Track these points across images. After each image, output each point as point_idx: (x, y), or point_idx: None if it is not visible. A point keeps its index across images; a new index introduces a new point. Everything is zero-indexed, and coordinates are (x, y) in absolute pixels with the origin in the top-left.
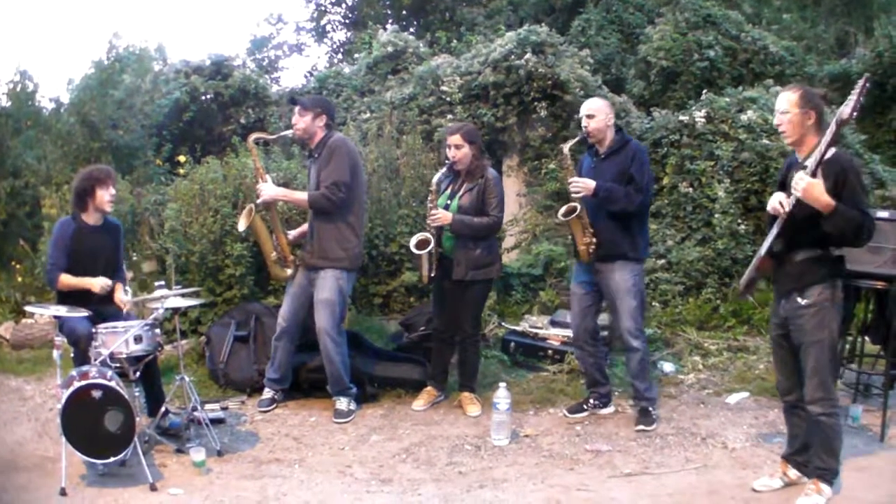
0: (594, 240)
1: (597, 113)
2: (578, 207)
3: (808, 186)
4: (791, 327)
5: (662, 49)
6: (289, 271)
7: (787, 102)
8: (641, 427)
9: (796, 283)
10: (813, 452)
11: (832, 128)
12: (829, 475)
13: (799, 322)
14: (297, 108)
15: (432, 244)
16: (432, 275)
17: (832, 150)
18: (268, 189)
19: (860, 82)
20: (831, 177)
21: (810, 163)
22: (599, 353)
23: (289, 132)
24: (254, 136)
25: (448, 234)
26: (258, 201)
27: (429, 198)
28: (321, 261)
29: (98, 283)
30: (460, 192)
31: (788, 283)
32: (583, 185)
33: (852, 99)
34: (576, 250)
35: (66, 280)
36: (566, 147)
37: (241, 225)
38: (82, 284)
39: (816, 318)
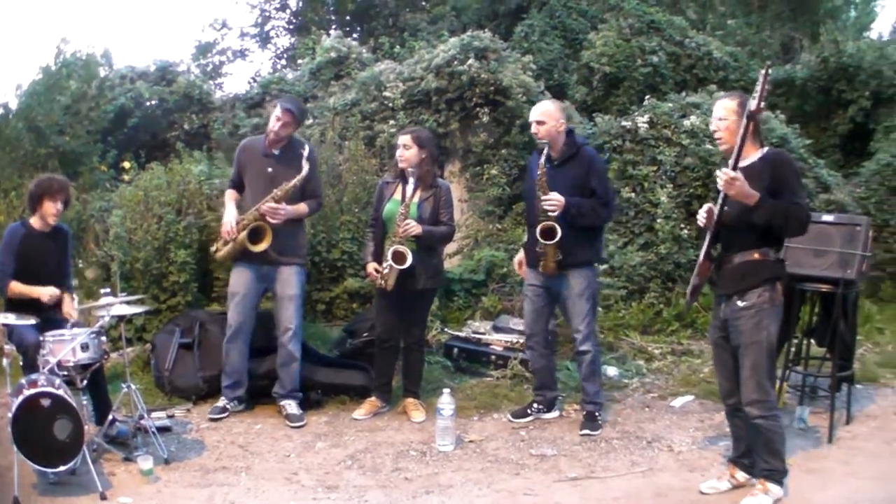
0: (559, 251)
1: (547, 119)
2: (559, 233)
3: (729, 179)
4: (730, 329)
5: (605, 55)
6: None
7: (724, 110)
8: (587, 432)
9: (735, 285)
10: (757, 454)
11: (743, 122)
12: (776, 475)
13: (737, 324)
14: (286, 114)
15: (410, 259)
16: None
17: (765, 149)
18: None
19: (762, 73)
20: (767, 173)
21: (732, 159)
22: (551, 355)
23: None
24: None
25: (411, 244)
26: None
27: (399, 212)
28: (283, 257)
29: (46, 293)
30: (418, 201)
31: (727, 285)
32: (557, 202)
33: (757, 91)
34: (539, 263)
35: (16, 287)
36: (541, 160)
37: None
38: (31, 293)
39: (754, 320)
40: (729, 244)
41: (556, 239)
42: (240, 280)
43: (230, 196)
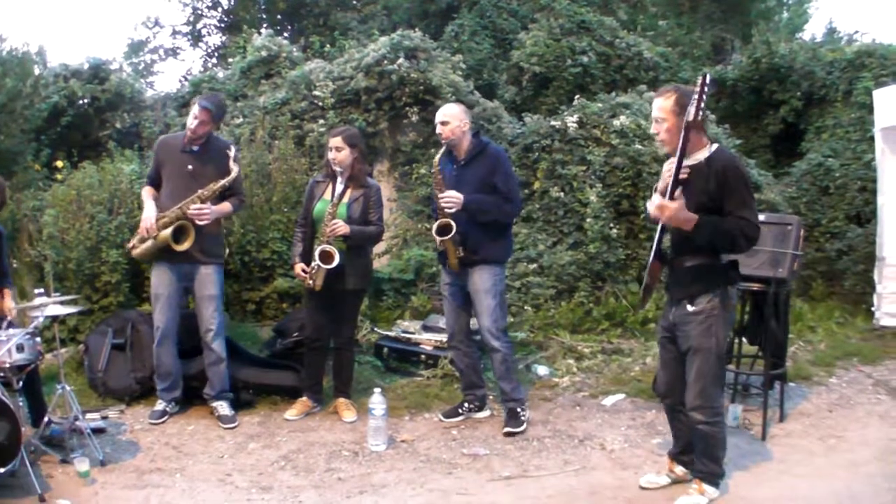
0: (463, 248)
1: (451, 119)
2: (454, 228)
3: (658, 207)
4: (678, 333)
5: (535, 55)
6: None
7: (661, 110)
8: (509, 429)
9: (686, 290)
10: (696, 456)
11: (682, 134)
12: (712, 478)
13: (686, 328)
14: (204, 113)
15: (337, 259)
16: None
17: (713, 147)
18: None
19: (699, 81)
20: (712, 178)
21: (664, 180)
22: (474, 353)
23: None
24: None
25: (340, 244)
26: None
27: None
28: (204, 256)
29: None
30: (347, 201)
31: (679, 289)
32: (455, 199)
33: (694, 100)
34: (447, 260)
35: None
36: (436, 160)
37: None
38: None
39: (703, 326)
40: (680, 247)
41: (451, 235)
42: (162, 281)
43: (148, 193)
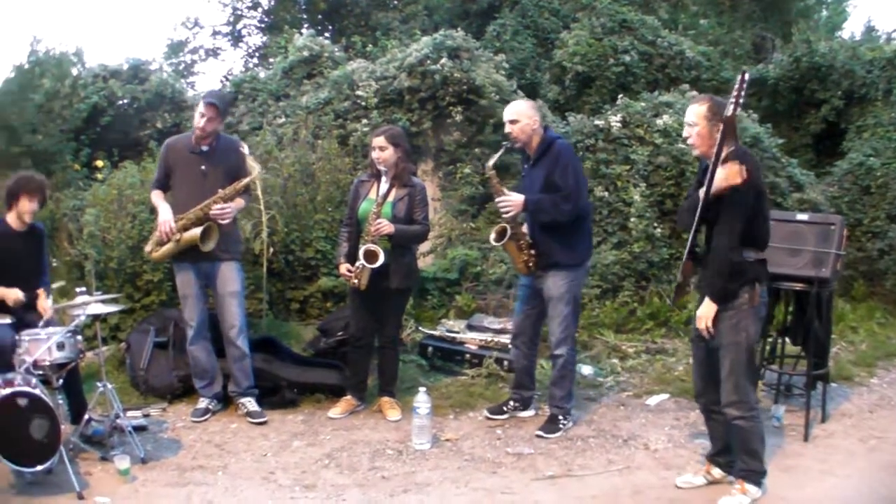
0: (532, 252)
1: (520, 117)
2: (508, 230)
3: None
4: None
5: (578, 54)
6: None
7: (694, 115)
8: (541, 433)
9: (720, 301)
10: (735, 455)
11: (721, 129)
12: (754, 476)
13: (716, 325)
14: (210, 108)
15: (381, 259)
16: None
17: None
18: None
19: (738, 78)
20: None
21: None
22: (533, 356)
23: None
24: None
25: (385, 243)
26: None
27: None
28: (225, 253)
29: (11, 296)
30: (392, 200)
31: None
32: (511, 202)
33: (733, 97)
34: (514, 265)
35: None
36: (489, 163)
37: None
38: None
39: (733, 322)
40: (711, 244)
41: (505, 240)
42: (187, 280)
43: (159, 196)
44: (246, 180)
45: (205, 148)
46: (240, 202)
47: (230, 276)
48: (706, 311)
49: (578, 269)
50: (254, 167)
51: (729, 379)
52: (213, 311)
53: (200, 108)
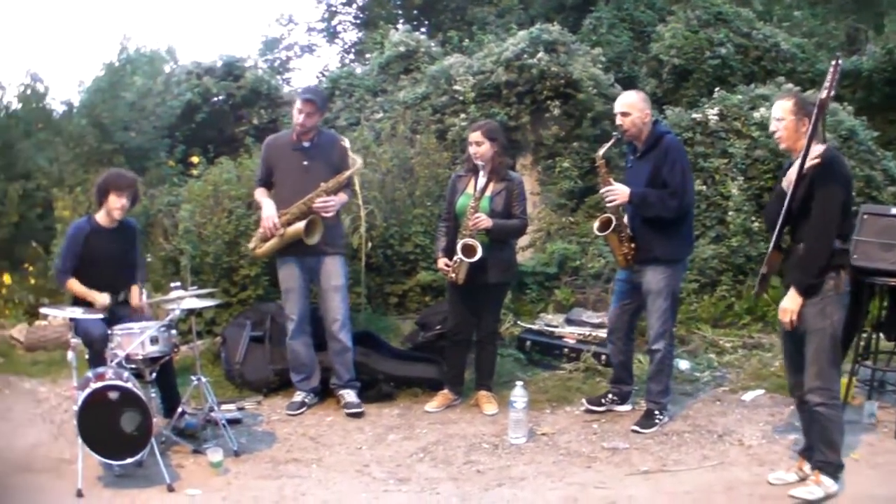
0: (633, 245)
1: (631, 109)
2: (614, 221)
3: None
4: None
5: (674, 47)
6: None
7: (782, 110)
8: (636, 428)
9: (805, 292)
10: (814, 445)
11: (814, 112)
12: (830, 469)
13: (802, 312)
14: (308, 104)
15: (479, 253)
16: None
17: (823, 148)
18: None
19: (832, 65)
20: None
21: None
22: (630, 351)
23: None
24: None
25: (482, 237)
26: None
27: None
28: (329, 247)
29: (99, 301)
30: (490, 194)
31: (793, 274)
32: (617, 192)
33: (826, 83)
34: (614, 257)
35: (73, 286)
36: (600, 153)
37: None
38: (87, 296)
39: (818, 308)
40: (797, 234)
41: (609, 231)
42: (291, 274)
43: (263, 193)
44: (348, 172)
45: (306, 143)
46: (343, 196)
47: (334, 271)
48: (791, 304)
49: (678, 264)
50: (356, 160)
51: (813, 365)
52: (315, 305)
53: (298, 104)
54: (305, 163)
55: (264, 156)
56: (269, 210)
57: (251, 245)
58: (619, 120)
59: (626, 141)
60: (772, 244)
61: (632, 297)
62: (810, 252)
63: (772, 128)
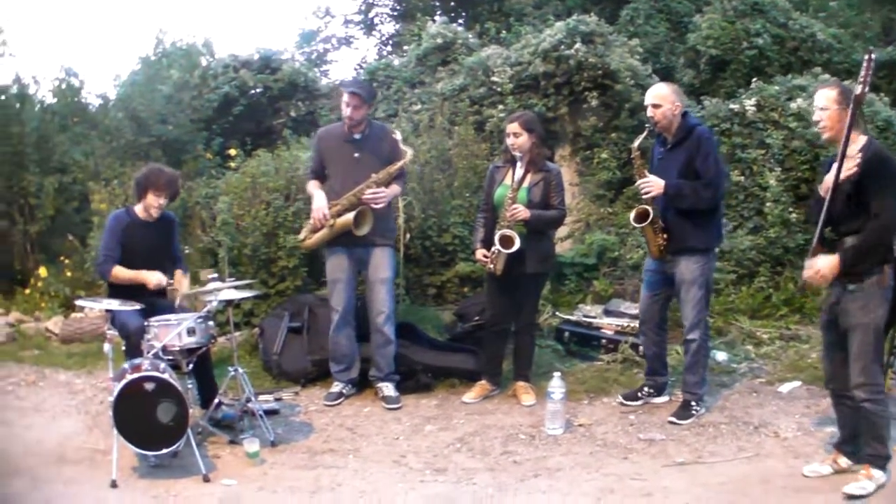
0: (665, 235)
1: (662, 101)
2: (651, 214)
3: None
4: (838, 312)
5: (711, 37)
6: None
7: (825, 99)
8: (673, 419)
9: (846, 269)
10: (862, 439)
11: (851, 108)
12: (880, 462)
13: (845, 306)
14: (354, 97)
15: (517, 243)
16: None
17: (865, 140)
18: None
19: (866, 58)
20: (862, 167)
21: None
22: (663, 342)
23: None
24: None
25: (520, 228)
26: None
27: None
28: (380, 238)
29: (154, 279)
30: (527, 185)
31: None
32: (653, 185)
33: (862, 76)
34: (649, 248)
35: (120, 272)
36: (635, 144)
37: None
38: (138, 278)
39: (861, 302)
40: (841, 228)
41: (648, 222)
42: (339, 265)
43: (315, 185)
44: (399, 164)
45: (357, 135)
46: (395, 188)
47: (383, 263)
48: (825, 269)
49: (710, 253)
50: (406, 151)
51: (857, 361)
52: (359, 295)
53: (345, 97)
54: (356, 154)
55: (317, 147)
56: (319, 201)
57: (301, 236)
58: (650, 112)
59: (657, 133)
60: (814, 243)
61: (662, 288)
62: (869, 245)
63: (815, 117)
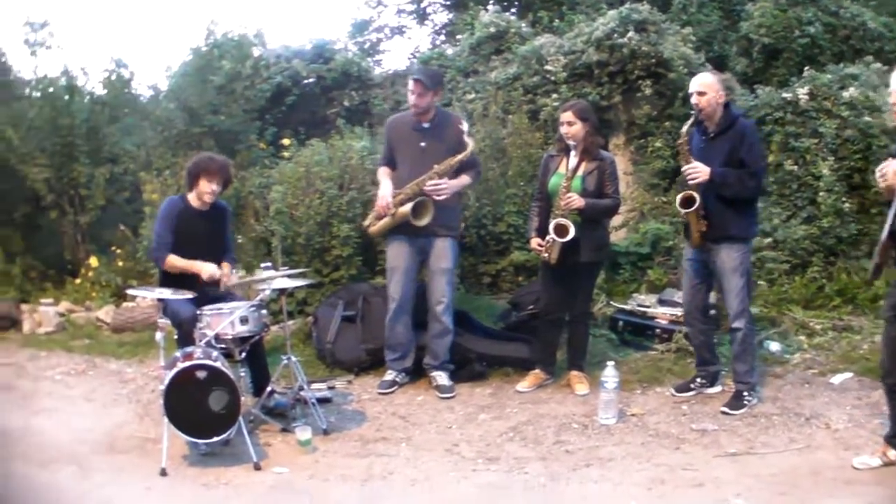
0: (706, 222)
1: (707, 89)
2: (697, 200)
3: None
4: None
5: (763, 26)
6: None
7: None
8: (725, 409)
9: None
10: None
11: None
12: None
13: None
14: (417, 84)
15: (572, 232)
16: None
17: None
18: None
19: None
20: None
21: None
22: (709, 331)
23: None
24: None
25: (575, 217)
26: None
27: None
28: (442, 229)
29: (207, 270)
30: (582, 174)
31: None
32: (700, 171)
33: None
34: (689, 235)
35: (174, 261)
36: (684, 129)
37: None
38: (192, 267)
39: None
40: None
41: (694, 207)
42: (399, 254)
43: (384, 173)
44: (459, 156)
45: (425, 124)
46: (464, 179)
47: (444, 253)
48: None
49: (748, 242)
50: (468, 143)
51: None
52: (418, 283)
53: (409, 85)
54: (423, 144)
55: (387, 136)
56: (384, 189)
57: (366, 223)
58: (694, 99)
59: (698, 121)
60: (884, 232)
61: (702, 277)
62: None
63: (891, 100)
